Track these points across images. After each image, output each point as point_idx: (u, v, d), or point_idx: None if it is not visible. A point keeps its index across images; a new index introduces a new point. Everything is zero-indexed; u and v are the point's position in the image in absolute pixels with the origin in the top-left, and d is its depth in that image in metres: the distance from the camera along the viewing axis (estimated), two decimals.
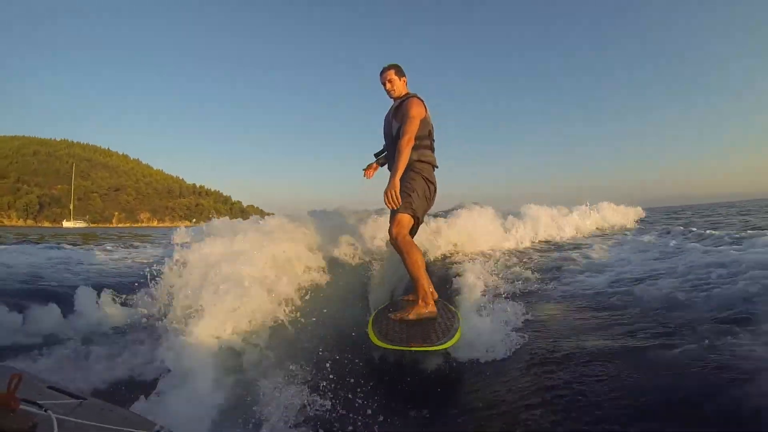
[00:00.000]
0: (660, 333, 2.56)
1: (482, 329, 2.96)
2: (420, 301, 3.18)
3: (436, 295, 3.43)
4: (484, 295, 3.68)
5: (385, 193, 3.14)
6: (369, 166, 3.91)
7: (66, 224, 79.52)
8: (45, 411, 1.24)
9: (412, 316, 3.09)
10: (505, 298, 3.75)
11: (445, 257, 5.70)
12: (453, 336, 2.75)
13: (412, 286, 3.30)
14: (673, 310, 2.91)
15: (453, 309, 3.36)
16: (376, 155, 3.88)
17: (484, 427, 2.09)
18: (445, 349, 2.70)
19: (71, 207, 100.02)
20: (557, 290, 4.05)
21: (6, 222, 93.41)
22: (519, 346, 2.74)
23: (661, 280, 3.73)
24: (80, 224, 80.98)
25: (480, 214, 7.08)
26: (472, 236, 6.36)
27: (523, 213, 9.29)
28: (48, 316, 3.79)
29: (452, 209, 7.38)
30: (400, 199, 3.15)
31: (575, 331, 2.86)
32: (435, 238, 5.88)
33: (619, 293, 3.58)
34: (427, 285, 3.25)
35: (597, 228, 11.62)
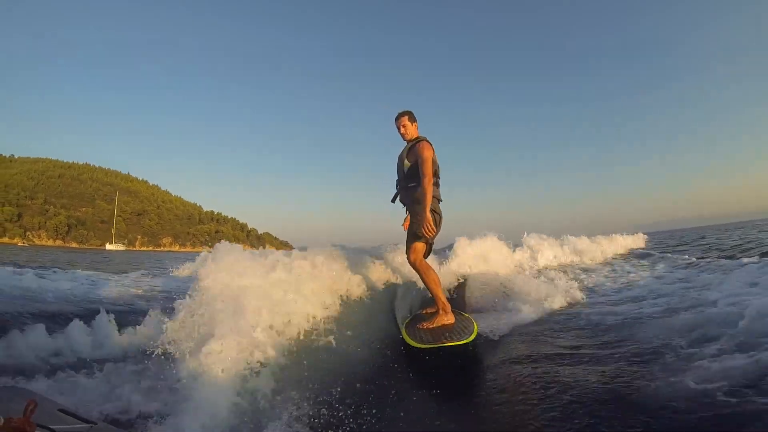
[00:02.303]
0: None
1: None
2: (440, 311, 3.88)
3: (449, 306, 4.04)
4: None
5: (421, 225, 3.74)
6: (405, 220, 4.39)
7: (109, 247, 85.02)
8: None
9: (436, 324, 3.77)
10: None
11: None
12: (472, 333, 3.48)
13: (432, 300, 4.03)
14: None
15: (465, 315, 4.13)
16: (393, 200, 4.36)
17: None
18: (468, 342, 3.37)
19: (113, 231, 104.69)
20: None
21: (37, 242, 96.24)
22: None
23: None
24: (120, 247, 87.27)
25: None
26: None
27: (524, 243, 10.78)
28: (61, 339, 3.87)
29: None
30: (432, 226, 3.73)
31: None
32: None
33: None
34: (444, 299, 3.94)
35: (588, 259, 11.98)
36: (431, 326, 3.75)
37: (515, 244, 9.91)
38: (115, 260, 22.70)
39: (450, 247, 7.65)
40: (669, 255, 10.28)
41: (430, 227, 3.71)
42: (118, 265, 17.00)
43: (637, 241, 16.72)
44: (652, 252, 11.98)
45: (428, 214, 3.71)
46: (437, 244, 4.76)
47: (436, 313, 3.90)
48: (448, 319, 3.83)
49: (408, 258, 3.94)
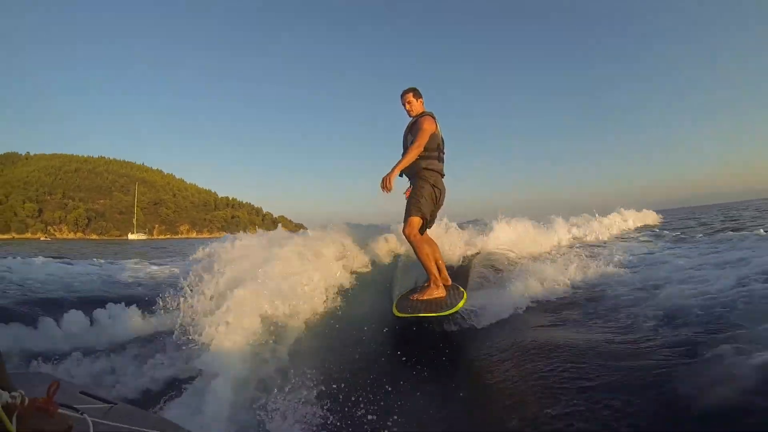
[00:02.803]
0: None
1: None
2: (431, 284, 3.93)
3: (449, 281, 4.16)
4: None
5: (381, 183, 3.76)
6: (407, 190, 4.34)
7: (131, 237, 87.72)
8: (81, 414, 1.34)
9: (425, 297, 3.83)
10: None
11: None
12: (452, 308, 3.55)
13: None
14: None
15: (462, 290, 4.03)
16: (400, 175, 4.24)
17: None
18: (447, 315, 3.53)
19: (134, 221, 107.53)
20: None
21: (58, 235, 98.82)
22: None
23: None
24: (142, 236, 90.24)
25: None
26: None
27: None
28: (80, 325, 3.97)
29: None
30: (390, 184, 3.74)
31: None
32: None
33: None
34: (435, 272, 3.96)
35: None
36: (421, 298, 3.82)
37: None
38: (166, 249, 22.67)
39: (480, 222, 7.54)
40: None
41: (387, 183, 3.72)
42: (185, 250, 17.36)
43: (650, 218, 16.07)
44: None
45: (395, 172, 3.76)
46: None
47: (429, 286, 3.96)
48: (439, 292, 3.89)
49: (403, 230, 3.97)
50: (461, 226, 6.43)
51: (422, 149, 3.89)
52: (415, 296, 3.87)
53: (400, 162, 3.82)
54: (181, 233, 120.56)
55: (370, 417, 2.47)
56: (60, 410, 1.28)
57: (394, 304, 3.78)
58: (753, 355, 2.05)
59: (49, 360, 3.22)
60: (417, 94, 4.19)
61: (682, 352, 2.42)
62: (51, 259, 9.41)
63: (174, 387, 2.74)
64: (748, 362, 2.01)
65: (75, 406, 1.36)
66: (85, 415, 1.33)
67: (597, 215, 12.96)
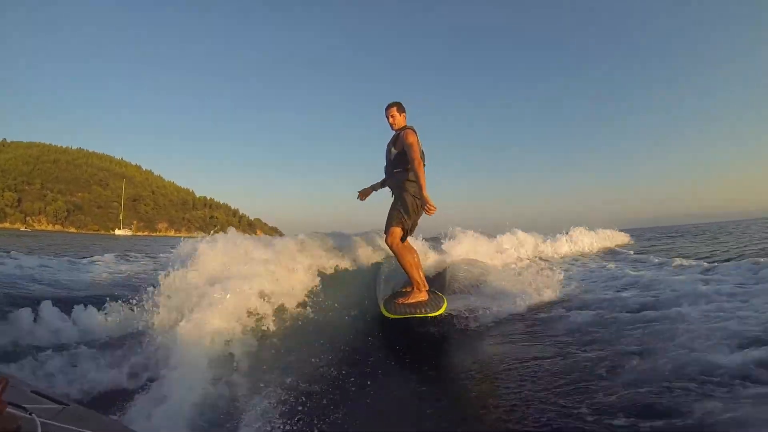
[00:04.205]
0: None
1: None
2: (415, 289, 4.19)
3: (427, 286, 4.33)
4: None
5: (425, 209, 3.92)
6: (363, 191, 4.73)
7: (118, 232, 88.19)
8: (30, 414, 1.32)
9: (411, 300, 4.08)
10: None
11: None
12: (441, 307, 3.95)
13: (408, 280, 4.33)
14: None
15: (440, 294, 4.40)
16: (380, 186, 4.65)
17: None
18: (436, 315, 3.91)
19: (121, 217, 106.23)
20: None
21: (37, 226, 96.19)
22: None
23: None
24: (128, 233, 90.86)
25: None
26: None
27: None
28: (33, 323, 3.80)
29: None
30: (434, 206, 3.86)
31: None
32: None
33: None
34: (418, 278, 4.21)
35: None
36: (406, 302, 4.07)
37: (498, 239, 10.25)
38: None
39: (445, 234, 8.07)
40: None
41: (431, 207, 3.84)
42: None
43: (620, 239, 16.43)
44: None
45: (427, 194, 3.85)
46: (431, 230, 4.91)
47: (412, 290, 4.20)
48: (422, 296, 4.14)
49: (386, 240, 4.19)
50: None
51: (421, 162, 3.97)
52: (401, 300, 4.11)
53: (420, 184, 3.88)
54: (160, 231, 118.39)
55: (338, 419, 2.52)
56: (9, 409, 1.26)
57: (383, 307, 4.07)
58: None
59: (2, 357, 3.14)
60: (401, 108, 4.33)
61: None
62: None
63: (131, 390, 2.71)
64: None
65: (24, 406, 1.34)
66: (34, 416, 1.31)
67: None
